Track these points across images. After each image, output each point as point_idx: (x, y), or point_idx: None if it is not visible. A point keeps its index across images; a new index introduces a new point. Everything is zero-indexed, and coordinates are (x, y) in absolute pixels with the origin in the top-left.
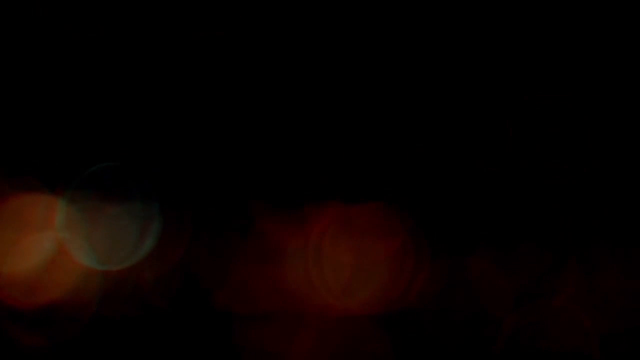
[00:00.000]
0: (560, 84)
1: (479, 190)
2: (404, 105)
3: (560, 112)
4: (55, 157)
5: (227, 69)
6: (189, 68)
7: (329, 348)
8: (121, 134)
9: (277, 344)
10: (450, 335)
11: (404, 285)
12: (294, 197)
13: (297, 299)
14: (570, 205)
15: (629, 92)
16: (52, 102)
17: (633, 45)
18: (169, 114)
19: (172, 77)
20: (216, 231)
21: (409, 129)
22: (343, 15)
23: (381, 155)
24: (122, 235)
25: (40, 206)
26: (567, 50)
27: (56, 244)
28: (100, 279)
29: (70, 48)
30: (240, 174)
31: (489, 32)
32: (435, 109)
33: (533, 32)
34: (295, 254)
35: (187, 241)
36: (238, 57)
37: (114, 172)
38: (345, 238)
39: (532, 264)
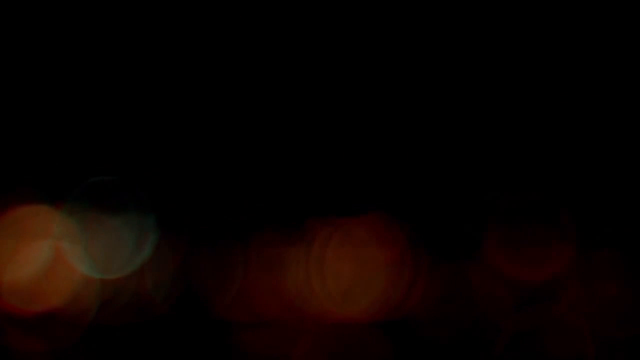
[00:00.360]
0: (560, 88)
1: (477, 198)
2: (400, 118)
3: (560, 118)
4: (54, 170)
5: (225, 81)
6: (185, 81)
7: (328, 355)
8: (120, 145)
9: (276, 351)
10: (449, 341)
11: (404, 293)
12: (294, 208)
13: (297, 307)
14: (569, 212)
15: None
16: (52, 116)
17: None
18: (169, 124)
19: (168, 89)
20: (218, 241)
21: (407, 141)
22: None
23: (380, 167)
24: (120, 245)
25: (40, 217)
26: (566, 50)
27: (56, 253)
28: (98, 287)
29: (69, 64)
30: (242, 185)
31: (489, 33)
32: (431, 121)
33: (533, 33)
34: (296, 263)
35: (187, 250)
36: (235, 70)
37: (112, 183)
38: (345, 248)
39: (531, 272)
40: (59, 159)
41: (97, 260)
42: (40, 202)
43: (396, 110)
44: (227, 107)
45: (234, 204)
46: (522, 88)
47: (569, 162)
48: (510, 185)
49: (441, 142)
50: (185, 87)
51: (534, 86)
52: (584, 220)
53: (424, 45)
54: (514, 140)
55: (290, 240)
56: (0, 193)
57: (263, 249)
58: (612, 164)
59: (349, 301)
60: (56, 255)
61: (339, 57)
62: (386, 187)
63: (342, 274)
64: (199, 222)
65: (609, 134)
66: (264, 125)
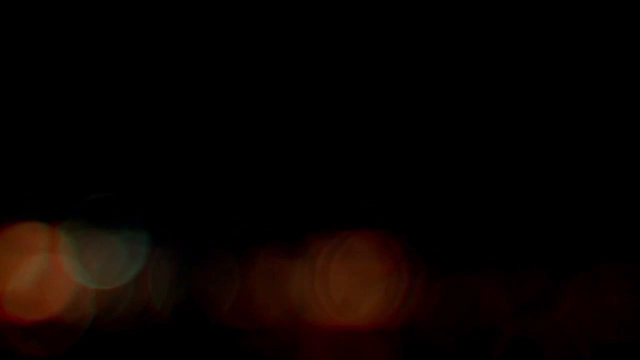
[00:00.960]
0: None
1: (478, 207)
2: (397, 134)
3: (560, 130)
4: (53, 189)
5: (220, 96)
6: (178, 100)
7: None
8: (117, 160)
9: (278, 357)
10: (448, 348)
11: (402, 302)
12: (295, 221)
13: (298, 314)
14: (570, 222)
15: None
16: (50, 141)
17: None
18: (167, 134)
19: (160, 108)
20: (220, 251)
21: (404, 157)
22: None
23: (379, 182)
24: (115, 257)
25: (40, 232)
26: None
27: (54, 265)
28: (94, 296)
29: (66, 88)
30: (247, 199)
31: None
32: (428, 136)
33: (533, 33)
34: (297, 273)
35: (186, 259)
36: (231, 88)
37: (108, 200)
38: (345, 259)
39: (531, 280)
40: (57, 178)
41: (93, 272)
42: (39, 219)
43: (395, 127)
44: (226, 117)
45: (239, 218)
46: (520, 101)
47: (568, 170)
48: (508, 197)
49: (438, 154)
50: (178, 104)
51: (533, 99)
52: (582, 229)
53: (421, 58)
54: (511, 153)
55: (292, 252)
56: (3, 211)
57: (265, 259)
58: (611, 172)
59: (349, 309)
60: (55, 268)
61: (339, 66)
62: (385, 202)
63: (342, 283)
64: (200, 232)
65: (607, 138)
66: (265, 142)
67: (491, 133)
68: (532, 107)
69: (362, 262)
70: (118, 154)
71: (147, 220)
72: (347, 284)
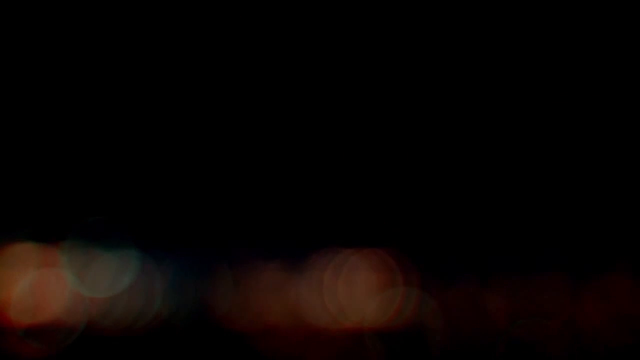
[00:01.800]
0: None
1: (477, 217)
2: (393, 157)
3: (560, 134)
4: (54, 213)
5: (219, 107)
6: (169, 119)
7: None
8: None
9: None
10: (444, 353)
11: (399, 308)
12: (301, 241)
13: (300, 320)
14: (569, 229)
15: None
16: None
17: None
18: (169, 145)
19: (158, 117)
20: (232, 265)
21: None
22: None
23: (377, 203)
24: (108, 269)
25: (41, 251)
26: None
27: (54, 278)
28: (88, 303)
29: (65, 115)
30: (253, 215)
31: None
32: (424, 157)
33: (533, 33)
34: (302, 285)
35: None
36: (226, 102)
37: (103, 222)
38: (348, 271)
39: (530, 289)
40: (55, 205)
41: (88, 283)
42: (41, 239)
43: (393, 147)
44: (230, 132)
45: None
46: (519, 109)
47: (565, 177)
48: (506, 204)
49: (435, 171)
50: (175, 113)
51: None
52: (582, 236)
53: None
54: (507, 162)
55: (296, 266)
56: (7, 232)
57: (271, 272)
58: (611, 177)
59: (349, 315)
60: (53, 280)
61: (341, 81)
62: (382, 223)
63: (344, 292)
64: (201, 244)
65: (602, 142)
66: (270, 163)
67: (486, 145)
68: (532, 114)
69: (362, 275)
70: (117, 161)
71: (146, 231)
72: (348, 293)
